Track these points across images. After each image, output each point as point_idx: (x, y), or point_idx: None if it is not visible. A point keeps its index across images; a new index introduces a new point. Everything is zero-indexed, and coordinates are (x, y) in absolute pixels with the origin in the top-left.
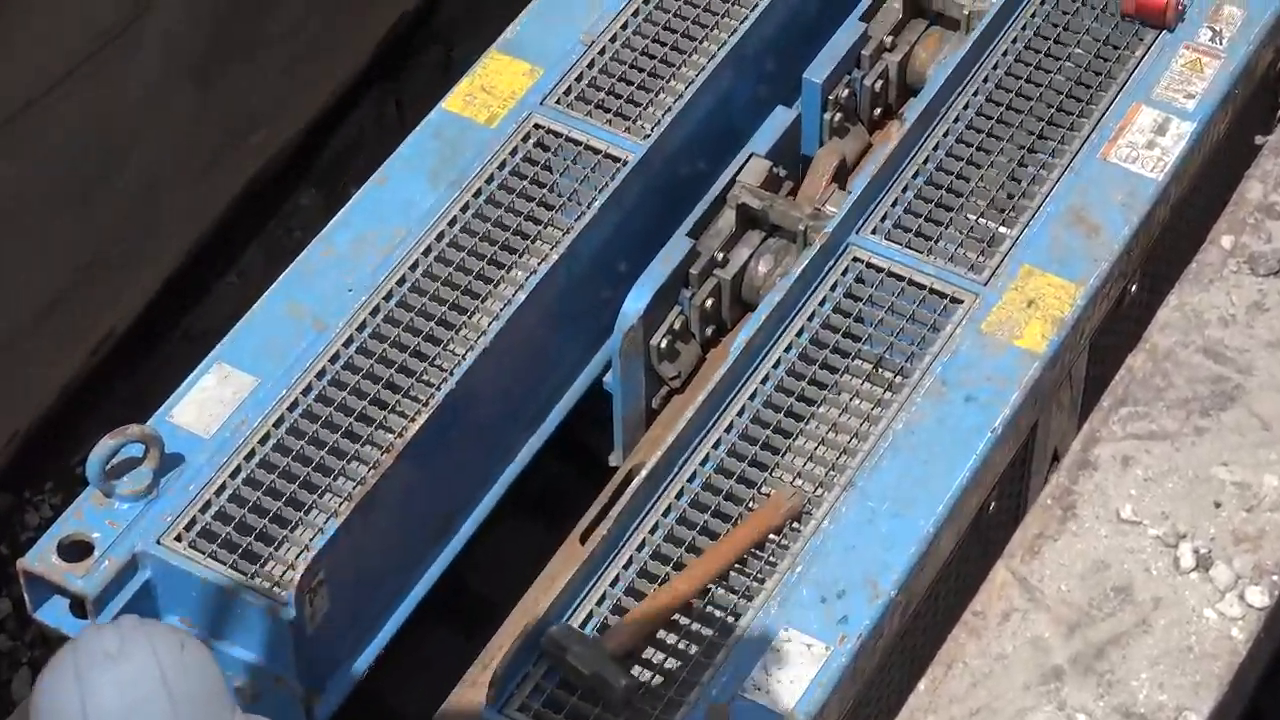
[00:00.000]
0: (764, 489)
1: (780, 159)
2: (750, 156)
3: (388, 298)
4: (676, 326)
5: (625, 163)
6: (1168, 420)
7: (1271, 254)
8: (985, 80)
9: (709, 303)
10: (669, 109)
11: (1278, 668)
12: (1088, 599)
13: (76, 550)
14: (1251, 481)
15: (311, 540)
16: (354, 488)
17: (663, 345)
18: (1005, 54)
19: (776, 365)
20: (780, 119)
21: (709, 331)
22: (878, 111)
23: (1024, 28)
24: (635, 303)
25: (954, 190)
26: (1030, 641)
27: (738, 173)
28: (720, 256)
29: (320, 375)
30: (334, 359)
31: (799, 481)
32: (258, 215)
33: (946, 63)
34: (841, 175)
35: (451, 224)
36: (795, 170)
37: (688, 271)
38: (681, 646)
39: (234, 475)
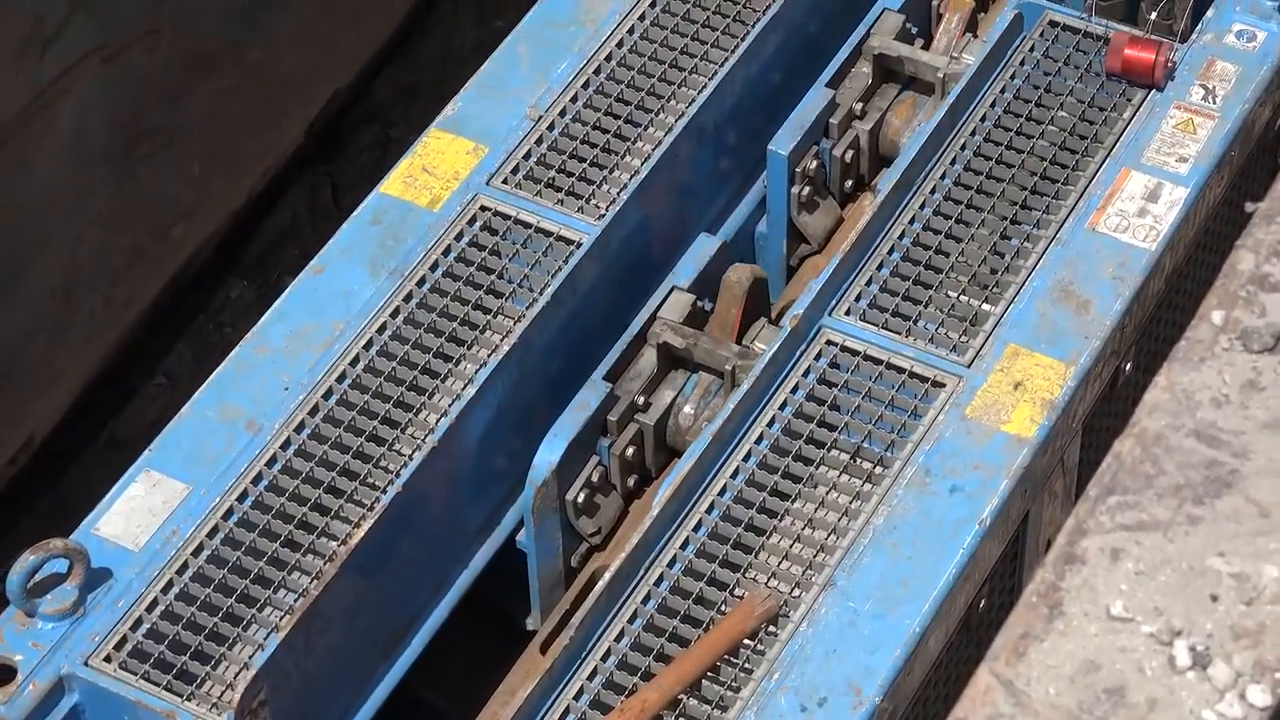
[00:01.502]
0: (737, 591)
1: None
2: (672, 290)
3: (327, 395)
4: (595, 479)
5: (579, 244)
6: (1159, 509)
7: (1266, 329)
8: (963, 148)
9: (630, 451)
10: (624, 186)
11: None
12: (1078, 702)
13: None
14: (1250, 572)
15: (251, 658)
16: (296, 600)
17: (580, 499)
18: (984, 119)
19: (747, 458)
20: (703, 248)
21: (631, 482)
22: (849, 183)
23: (1003, 90)
24: (548, 455)
25: (933, 266)
26: None
27: (658, 308)
28: (641, 400)
29: (256, 480)
30: (271, 463)
31: (774, 582)
32: (184, 311)
33: (921, 130)
34: (974, 24)
35: (394, 315)
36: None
37: (605, 418)
38: None
39: (166, 590)
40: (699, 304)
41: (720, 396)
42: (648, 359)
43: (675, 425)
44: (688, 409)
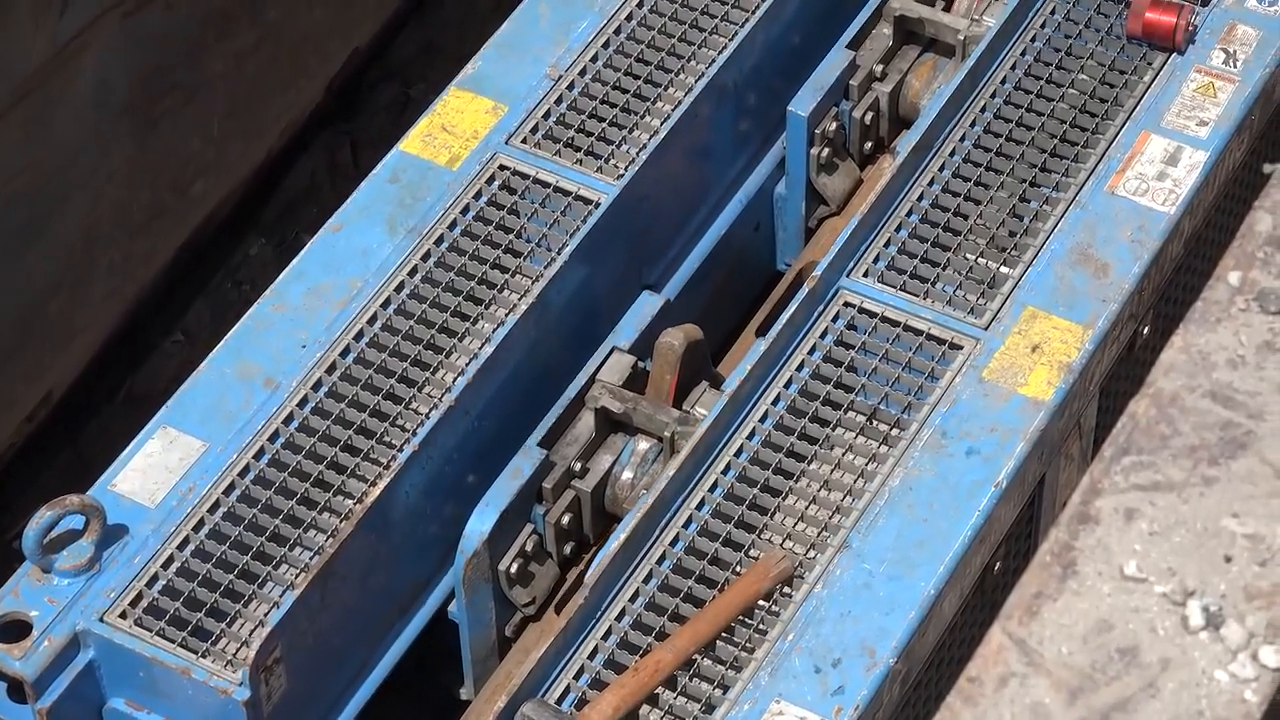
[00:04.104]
0: (752, 552)
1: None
2: (611, 351)
3: (344, 354)
4: (529, 548)
5: (598, 204)
6: (1174, 470)
7: None
8: (983, 110)
9: (566, 518)
10: (644, 146)
11: None
12: (1090, 662)
13: (14, 630)
14: (1264, 533)
15: (266, 615)
16: (311, 558)
17: (513, 570)
18: (1004, 81)
19: (764, 419)
20: (645, 307)
21: (568, 549)
22: (868, 145)
23: (1023, 53)
24: (479, 525)
25: (951, 228)
26: (1030, 708)
27: (597, 370)
28: (578, 466)
29: (273, 438)
30: (288, 420)
31: (789, 543)
32: (203, 269)
33: (941, 92)
34: None
35: (412, 274)
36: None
37: (540, 486)
38: None
39: (182, 547)
40: (640, 365)
41: (660, 463)
42: (585, 423)
43: (613, 493)
44: (626, 475)
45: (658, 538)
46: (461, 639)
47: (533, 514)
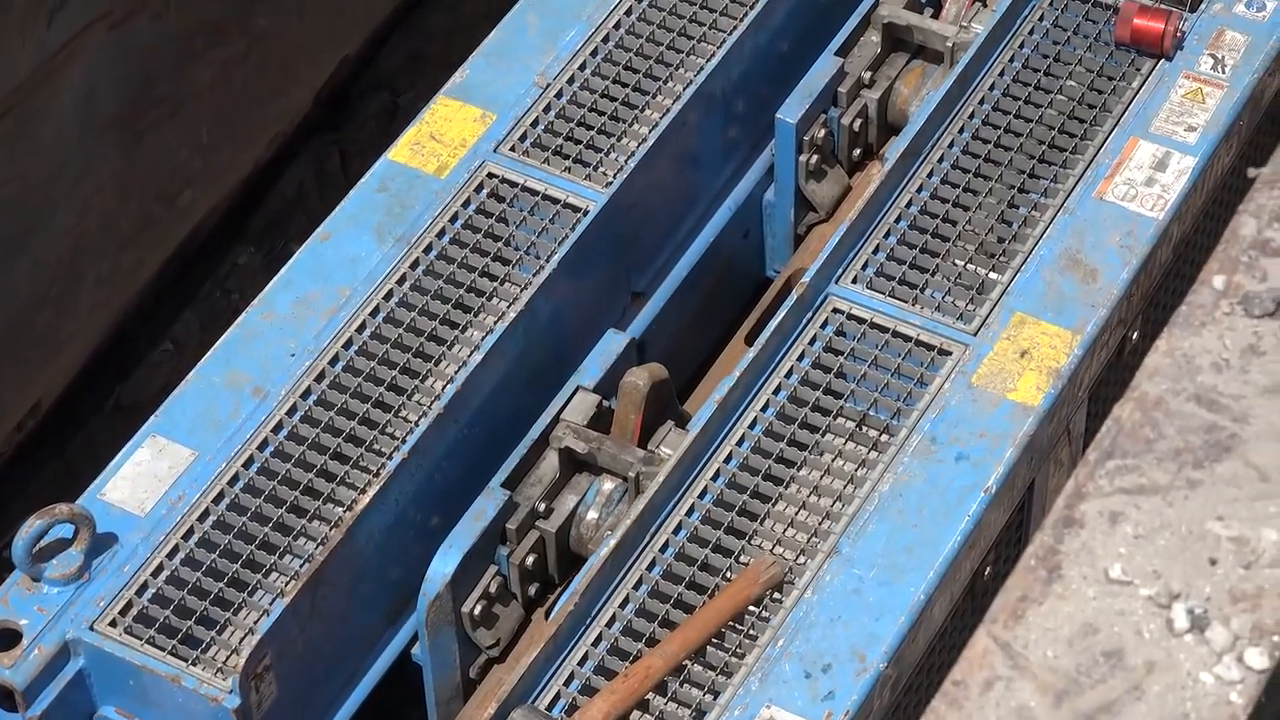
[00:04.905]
0: (742, 558)
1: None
2: (576, 390)
3: (333, 362)
4: (493, 589)
5: (586, 212)
6: (1158, 473)
7: (1267, 294)
8: (971, 116)
9: (531, 559)
10: (632, 154)
11: None
12: (1075, 665)
13: (4, 639)
14: (1249, 536)
15: (256, 623)
16: (301, 566)
17: (476, 612)
18: (992, 88)
19: (753, 425)
20: (610, 345)
21: (533, 590)
22: (857, 152)
23: (1012, 60)
24: (442, 566)
25: (940, 234)
26: (1015, 711)
27: (561, 410)
28: (542, 506)
29: (262, 447)
30: (277, 429)
31: (779, 549)
32: (191, 278)
33: (930, 98)
34: None
35: (400, 282)
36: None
37: (504, 526)
38: None
39: (171, 555)
40: (605, 404)
41: (625, 503)
42: (549, 463)
43: (578, 533)
44: (591, 515)
45: (648, 543)
46: (425, 682)
47: (497, 555)
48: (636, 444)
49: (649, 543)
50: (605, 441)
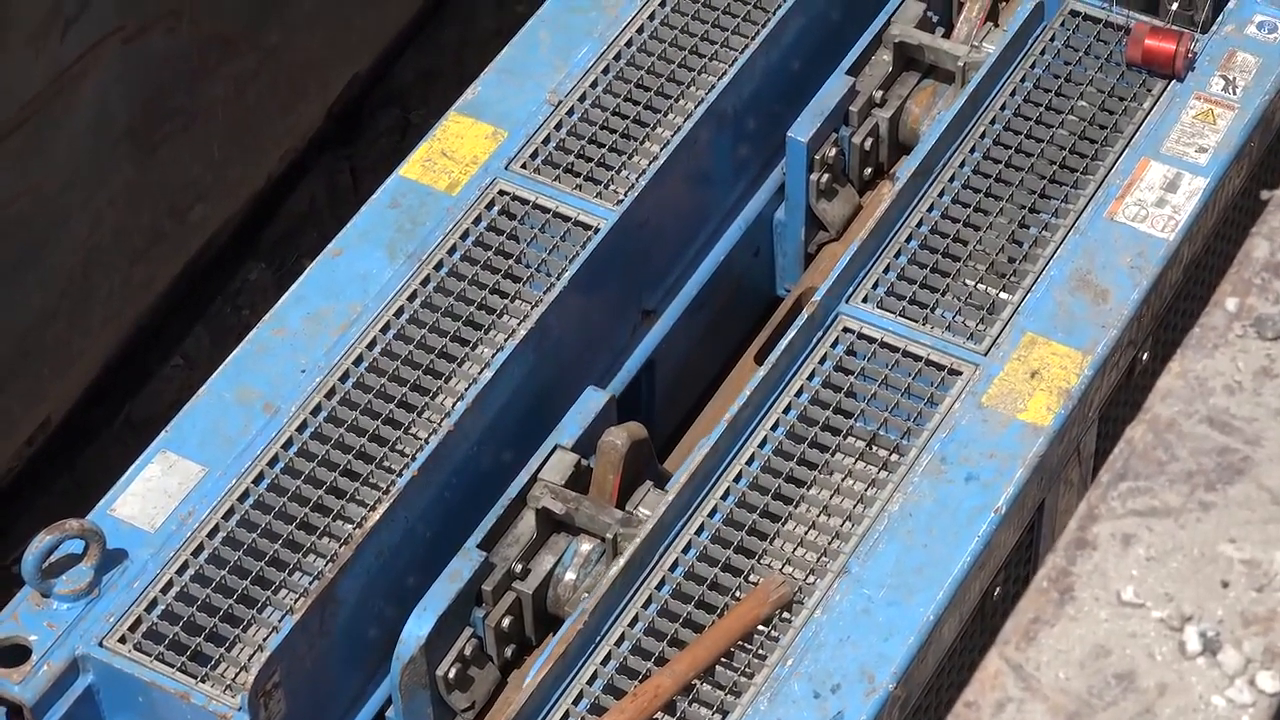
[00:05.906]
0: (751, 577)
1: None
2: (554, 449)
3: (344, 379)
4: (468, 651)
5: (597, 230)
6: (1171, 495)
7: None
8: (982, 136)
9: (507, 621)
10: (643, 172)
11: None
12: (1087, 687)
13: (13, 655)
14: (1261, 559)
15: (266, 640)
16: (311, 583)
17: (451, 675)
18: (1003, 108)
19: (763, 444)
20: (589, 404)
21: (509, 652)
22: (868, 171)
23: (1023, 80)
24: (416, 629)
25: (951, 254)
26: None
27: (538, 469)
28: (519, 567)
29: (273, 463)
30: (287, 445)
31: (789, 569)
32: (202, 293)
33: (941, 118)
34: (994, 13)
35: (411, 299)
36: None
37: (480, 588)
38: None
39: (181, 571)
40: (583, 463)
41: (604, 564)
42: (526, 523)
43: (555, 594)
44: (569, 576)
45: (657, 562)
46: None
47: (472, 617)
48: (615, 504)
49: (657, 563)
50: (583, 502)
